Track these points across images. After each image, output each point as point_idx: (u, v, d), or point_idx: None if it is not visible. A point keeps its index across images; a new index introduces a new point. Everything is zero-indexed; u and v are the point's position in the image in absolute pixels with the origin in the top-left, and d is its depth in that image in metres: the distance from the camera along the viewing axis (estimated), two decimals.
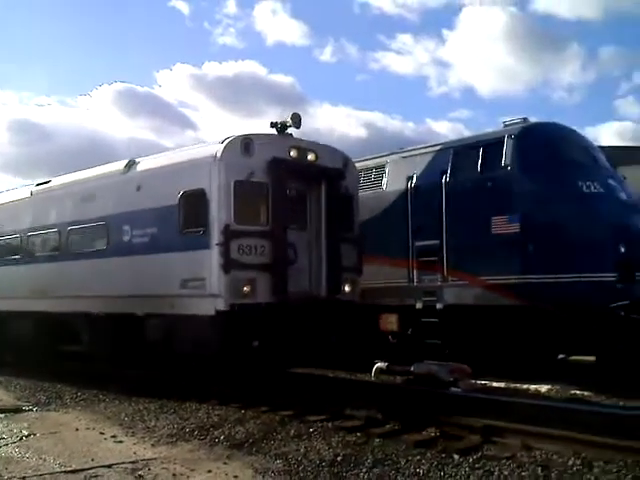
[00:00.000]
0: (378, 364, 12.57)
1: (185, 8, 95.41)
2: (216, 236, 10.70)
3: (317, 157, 12.04)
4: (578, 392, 11.23)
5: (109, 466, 7.18)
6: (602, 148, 14.76)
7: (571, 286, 11.69)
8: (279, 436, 8.22)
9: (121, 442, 8.28)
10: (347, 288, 12.24)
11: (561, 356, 13.11)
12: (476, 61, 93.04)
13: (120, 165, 13.50)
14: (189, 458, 7.53)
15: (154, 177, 12.43)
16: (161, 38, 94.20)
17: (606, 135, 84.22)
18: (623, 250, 11.65)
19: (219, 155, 10.96)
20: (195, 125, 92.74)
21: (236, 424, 8.89)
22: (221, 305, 10.61)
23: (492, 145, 12.89)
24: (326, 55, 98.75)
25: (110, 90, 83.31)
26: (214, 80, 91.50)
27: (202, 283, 10.86)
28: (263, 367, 11.42)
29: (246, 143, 11.15)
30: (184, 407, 10.15)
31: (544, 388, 11.53)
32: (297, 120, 11.72)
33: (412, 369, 11.77)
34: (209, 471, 7.01)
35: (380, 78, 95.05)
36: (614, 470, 6.36)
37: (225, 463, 7.30)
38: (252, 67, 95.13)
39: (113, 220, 13.01)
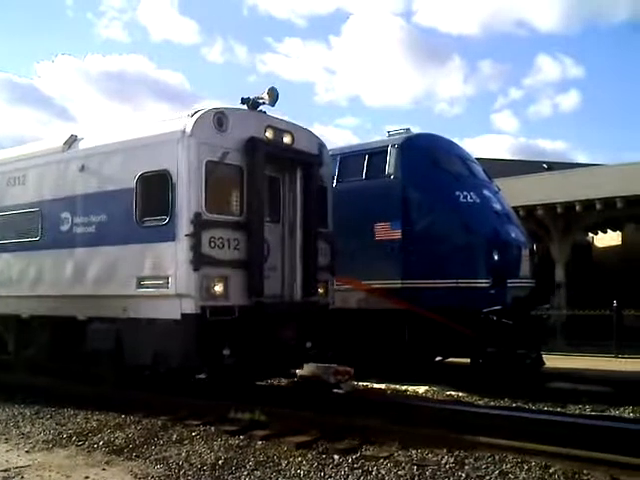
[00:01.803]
0: None
1: None
2: (184, 226, 9.20)
3: (293, 140, 10.65)
4: (453, 393, 11.75)
5: None
6: (479, 160, 15.53)
7: (448, 291, 12.22)
8: (160, 441, 8.10)
9: None
10: (321, 290, 11.05)
11: (438, 358, 13.63)
12: (361, 70, 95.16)
13: (58, 141, 11.53)
14: (66, 465, 7.28)
15: (103, 156, 10.60)
16: (42, 27, 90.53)
17: (484, 147, 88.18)
18: (496, 257, 12.32)
19: (188, 130, 9.37)
20: (76, 119, 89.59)
21: (116, 429, 8.68)
22: (189, 307, 9.16)
23: (377, 154, 13.30)
24: (215, 54, 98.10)
25: None
26: (99, 73, 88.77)
27: (165, 282, 9.38)
28: (234, 379, 10.52)
29: (219, 118, 9.65)
30: (61, 412, 9.77)
31: (422, 389, 12.00)
32: (274, 97, 10.34)
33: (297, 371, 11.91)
34: (86, 477, 6.80)
35: (269, 80, 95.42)
36: (483, 467, 6.68)
37: (104, 469, 7.12)
38: (139, 61, 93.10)
39: (49, 206, 11.24)
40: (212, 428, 8.48)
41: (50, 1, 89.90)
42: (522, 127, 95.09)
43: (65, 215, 10.92)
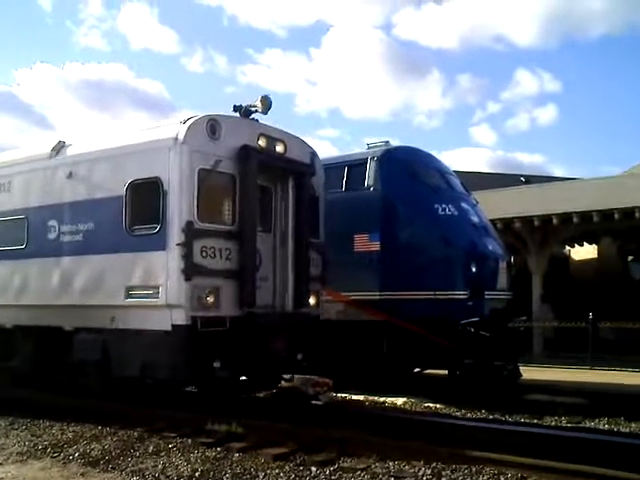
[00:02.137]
0: None
1: (47, 4, 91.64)
2: (175, 235, 9.03)
3: (286, 149, 10.52)
4: (432, 404, 11.79)
5: None
6: (458, 173, 15.66)
7: (426, 303, 12.28)
8: (137, 452, 8.04)
9: None
10: (312, 301, 10.88)
11: (416, 370, 13.67)
12: (342, 82, 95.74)
13: (46, 148, 11.29)
14: (40, 477, 7.20)
15: (91, 163, 10.38)
16: (20, 34, 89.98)
17: (462, 160, 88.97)
18: (474, 270, 12.40)
19: (181, 137, 9.20)
20: (55, 127, 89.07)
21: (92, 440, 8.60)
22: (180, 318, 8.95)
23: (356, 166, 13.37)
24: (195, 64, 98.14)
25: None
26: (78, 81, 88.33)
27: (155, 291, 9.17)
28: (224, 392, 10.37)
29: (212, 125, 9.52)
30: (37, 424, 9.65)
31: (400, 401, 12.03)
32: (267, 105, 10.17)
33: None
34: None
35: (249, 91, 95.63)
36: (460, 478, 6.70)
37: None
38: (118, 70, 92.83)
39: (35, 214, 10.98)
40: (189, 440, 8.42)
41: (29, 8, 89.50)
42: (500, 140, 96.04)
43: (52, 223, 10.70)
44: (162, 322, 9.07)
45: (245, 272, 9.56)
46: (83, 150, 10.73)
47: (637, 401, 11.48)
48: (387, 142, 13.88)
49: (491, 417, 10.71)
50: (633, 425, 10.14)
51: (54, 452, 8.17)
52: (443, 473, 6.85)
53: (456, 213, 12.91)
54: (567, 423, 10.35)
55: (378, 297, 12.60)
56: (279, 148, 10.43)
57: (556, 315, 19.25)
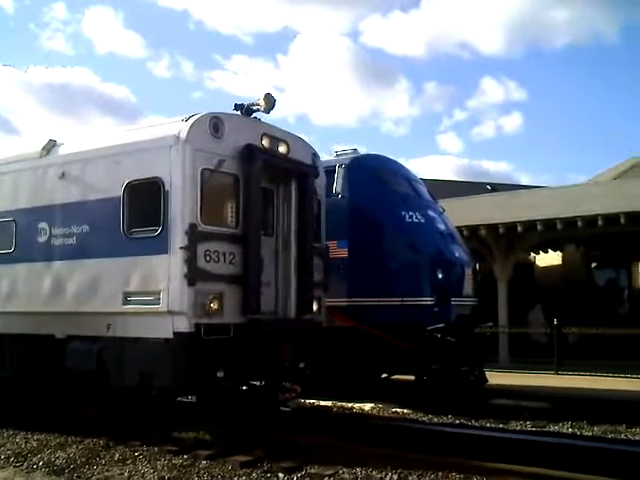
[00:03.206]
0: None
1: (9, 5, 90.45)
2: (178, 238, 8.58)
3: (289, 149, 10.18)
4: (399, 410, 11.88)
5: None
6: (425, 181, 15.81)
7: (394, 309, 12.37)
8: (103, 461, 7.98)
9: None
10: (315, 307, 10.56)
11: (384, 376, 13.75)
12: (309, 88, 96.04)
13: (36, 147, 10.73)
14: None
15: (86, 162, 9.89)
16: None
17: (429, 168, 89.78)
18: (440, 276, 12.52)
19: (183, 136, 8.77)
20: (19, 131, 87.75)
21: (57, 449, 8.52)
22: (182, 325, 8.50)
23: (325, 173, 13.38)
24: (161, 69, 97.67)
25: None
26: (42, 85, 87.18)
27: (156, 297, 8.68)
28: (227, 403, 10.05)
29: (215, 123, 9.11)
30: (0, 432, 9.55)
31: (367, 406, 12.09)
32: (271, 103, 9.76)
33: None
34: None
35: (216, 97, 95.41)
36: None
37: None
38: (84, 74, 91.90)
39: (24, 216, 10.47)
40: (155, 448, 8.38)
41: None
42: (466, 148, 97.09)
43: (42, 226, 10.20)
44: (163, 329, 8.62)
45: (249, 277, 9.16)
46: (76, 149, 10.25)
47: (599, 405, 11.68)
48: (355, 150, 13.97)
49: (457, 422, 10.81)
50: (595, 428, 10.32)
51: (17, 461, 8.09)
52: (410, 478, 6.93)
53: (423, 220, 13.02)
54: (532, 427, 10.49)
55: (346, 303, 12.63)
56: (282, 149, 10.12)
57: (521, 321, 19.47)
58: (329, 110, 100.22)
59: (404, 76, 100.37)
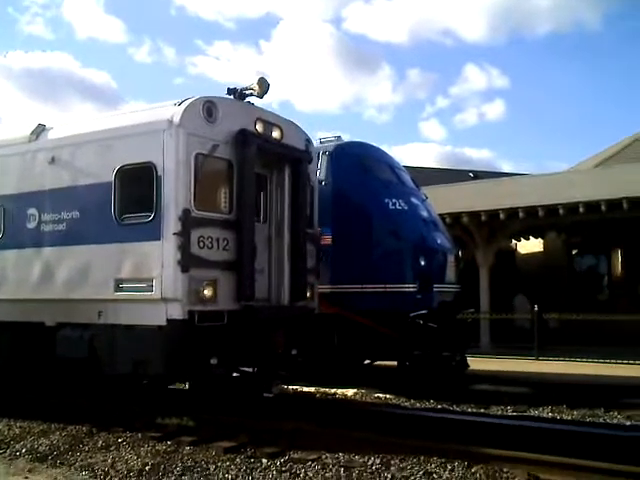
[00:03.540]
0: None
1: None
2: (172, 224, 8.44)
3: (282, 135, 10.06)
4: (381, 395, 11.97)
5: None
6: (408, 168, 15.85)
7: (377, 296, 12.44)
8: (86, 447, 8.00)
9: None
10: (307, 294, 10.46)
11: (367, 362, 13.84)
12: (292, 75, 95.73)
13: (25, 131, 10.52)
14: None
15: (76, 147, 9.71)
16: None
17: (411, 155, 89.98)
18: (423, 263, 12.60)
19: (177, 120, 8.62)
20: None
21: (40, 436, 8.52)
22: (176, 312, 8.37)
23: None
24: (142, 55, 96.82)
25: None
26: (21, 70, 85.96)
27: (149, 284, 8.57)
28: (221, 390, 9.99)
29: (208, 107, 8.97)
30: None
31: (350, 392, 12.18)
32: (265, 87, 9.63)
33: None
34: None
35: (198, 82, 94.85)
36: (408, 467, 6.87)
37: (26, 477, 7.03)
38: (64, 59, 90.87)
39: (12, 202, 10.28)
40: (139, 434, 8.41)
41: None
42: (449, 136, 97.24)
43: (32, 211, 10.00)
44: (156, 316, 8.49)
45: (243, 263, 9.06)
46: (66, 133, 10.05)
47: (579, 390, 11.85)
48: (339, 137, 13.98)
49: (439, 407, 10.93)
50: (575, 413, 10.47)
51: (0, 448, 8.07)
52: (392, 462, 7.00)
53: (406, 208, 13.08)
54: (513, 412, 10.62)
55: (330, 290, 12.68)
56: (276, 134, 9.99)
57: (503, 307, 19.63)
58: (312, 96, 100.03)
59: (387, 63, 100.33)
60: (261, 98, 9.76)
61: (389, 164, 14.20)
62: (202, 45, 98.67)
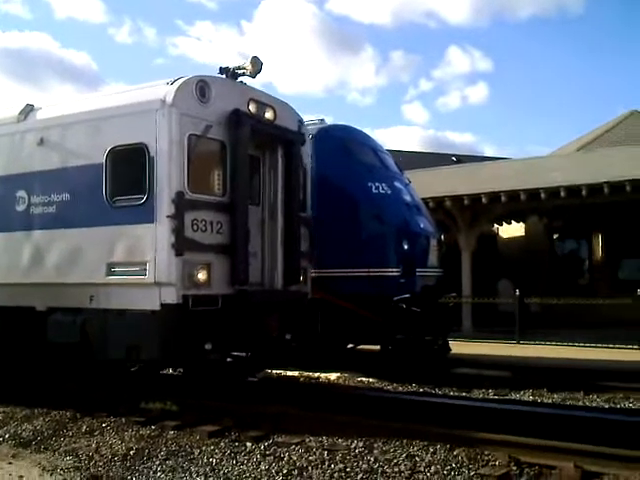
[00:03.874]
0: None
1: None
2: (165, 206, 8.27)
3: (275, 116, 9.87)
4: (364, 379, 12.05)
5: None
6: (391, 152, 15.86)
7: (360, 280, 12.48)
8: (70, 432, 7.99)
9: None
10: (301, 278, 10.36)
11: (350, 346, 13.91)
12: (274, 56, 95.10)
13: (12, 111, 10.24)
14: None
15: (66, 128, 9.48)
16: None
17: (394, 139, 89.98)
18: (406, 247, 12.65)
19: (170, 99, 8.41)
20: None
21: (23, 421, 8.50)
22: (170, 297, 8.23)
23: None
24: (123, 35, 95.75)
25: None
26: None
27: (142, 268, 8.40)
28: (215, 375, 9.95)
29: (201, 87, 8.75)
30: None
31: (334, 376, 12.25)
32: (258, 67, 9.45)
33: None
34: None
35: (179, 63, 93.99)
36: (391, 450, 6.92)
37: (10, 463, 7.00)
38: (42, 39, 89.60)
39: (1, 184, 10.07)
40: (123, 419, 8.40)
41: None
42: (432, 119, 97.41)
43: (21, 194, 9.77)
44: (150, 301, 8.36)
45: (237, 247, 8.93)
46: (56, 114, 9.79)
47: (559, 373, 12.00)
48: (322, 120, 13.92)
49: (421, 390, 11.01)
50: (555, 396, 10.60)
51: None
52: (375, 445, 7.04)
53: (389, 192, 13.10)
54: (494, 395, 10.73)
55: (313, 274, 12.69)
56: (269, 114, 9.81)
57: (484, 291, 19.78)
58: (295, 78, 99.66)
59: (370, 44, 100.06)
60: (254, 77, 9.58)
61: (372, 147, 14.19)
62: (183, 25, 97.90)
